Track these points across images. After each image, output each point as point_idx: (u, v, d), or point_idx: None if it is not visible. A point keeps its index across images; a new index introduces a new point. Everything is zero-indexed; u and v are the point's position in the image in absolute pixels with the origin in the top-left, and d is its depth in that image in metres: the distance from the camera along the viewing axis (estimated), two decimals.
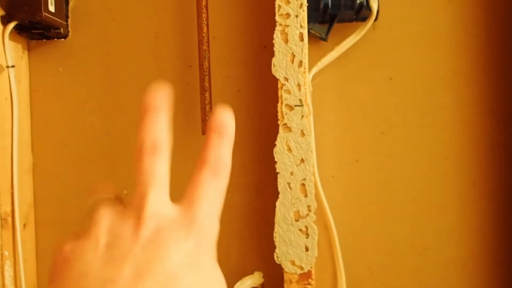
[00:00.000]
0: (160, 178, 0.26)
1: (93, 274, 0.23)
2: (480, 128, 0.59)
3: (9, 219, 0.58)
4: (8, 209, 0.58)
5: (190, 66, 0.61)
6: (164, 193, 0.26)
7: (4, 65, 0.58)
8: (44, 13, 0.57)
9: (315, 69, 0.57)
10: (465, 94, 0.59)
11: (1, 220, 0.56)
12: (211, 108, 0.57)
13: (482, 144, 0.59)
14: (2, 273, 0.56)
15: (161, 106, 0.28)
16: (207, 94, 0.57)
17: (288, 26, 0.51)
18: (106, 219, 0.25)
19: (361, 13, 0.56)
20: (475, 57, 0.59)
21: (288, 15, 0.51)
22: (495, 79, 0.58)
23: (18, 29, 0.60)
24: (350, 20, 0.58)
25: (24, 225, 0.61)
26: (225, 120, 0.29)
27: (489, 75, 0.58)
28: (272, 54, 0.53)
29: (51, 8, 0.58)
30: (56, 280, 0.24)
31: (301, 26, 0.51)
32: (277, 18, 0.52)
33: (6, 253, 0.57)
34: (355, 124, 0.59)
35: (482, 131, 0.59)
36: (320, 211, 0.55)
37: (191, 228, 0.25)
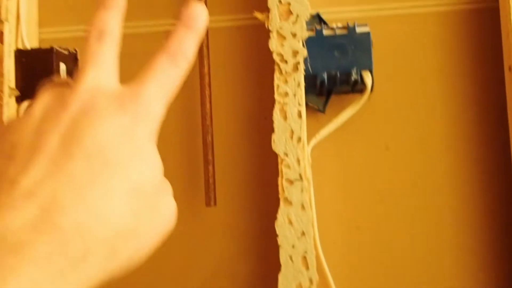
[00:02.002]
0: (105, 58, 0.26)
1: (23, 143, 0.23)
2: (478, 193, 0.60)
3: None
4: None
5: (193, 139, 0.64)
6: (107, 71, 0.26)
7: None
8: None
9: (313, 141, 0.59)
10: (461, 160, 0.61)
11: None
12: (214, 180, 0.59)
13: (481, 209, 0.60)
14: None
15: (115, 4, 0.27)
16: (210, 167, 0.59)
17: (286, 104, 0.54)
18: (45, 97, 0.25)
19: (356, 87, 0.59)
20: (468, 123, 0.61)
21: (286, 93, 0.54)
22: (491, 144, 0.60)
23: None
24: (347, 92, 0.61)
25: None
26: (197, 13, 0.27)
27: (484, 140, 0.60)
28: (272, 125, 0.56)
29: None
30: None
31: (299, 104, 0.54)
32: (276, 96, 0.54)
33: None
34: (355, 193, 0.61)
35: (481, 197, 0.60)
36: (323, 282, 0.56)
37: (131, 103, 0.25)
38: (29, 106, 0.26)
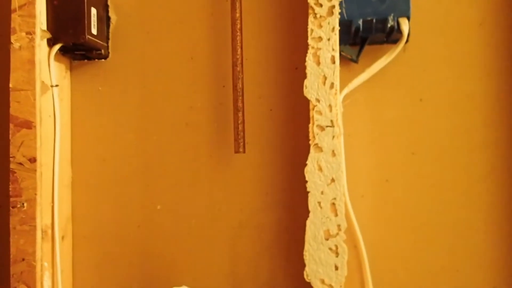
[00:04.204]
0: None
1: None
2: (510, 155, 0.58)
3: (49, 231, 0.61)
4: (49, 222, 0.61)
5: (224, 86, 0.63)
6: None
7: (49, 84, 0.61)
8: (87, 36, 0.60)
9: (346, 90, 0.58)
10: (495, 115, 0.59)
11: (42, 232, 0.59)
12: (243, 127, 0.58)
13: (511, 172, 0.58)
14: (41, 283, 0.59)
15: None
16: (240, 114, 0.58)
17: (320, 49, 0.53)
18: None
19: (392, 36, 0.57)
20: (504, 78, 0.59)
21: (320, 38, 0.53)
22: None
23: (62, 51, 0.63)
24: (381, 43, 0.59)
25: (63, 237, 0.64)
26: None
27: None
28: (303, 75, 0.55)
29: (94, 31, 0.62)
30: None
31: (333, 49, 0.53)
32: (309, 41, 0.53)
33: (46, 264, 0.60)
34: (386, 145, 0.60)
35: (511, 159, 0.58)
36: (350, 231, 0.56)
37: None
38: None
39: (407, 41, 0.58)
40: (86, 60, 0.66)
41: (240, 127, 0.58)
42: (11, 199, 0.58)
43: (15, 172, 0.58)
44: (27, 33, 0.58)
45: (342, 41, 0.57)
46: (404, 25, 0.56)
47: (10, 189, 0.58)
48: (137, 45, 0.65)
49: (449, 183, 0.59)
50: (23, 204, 0.58)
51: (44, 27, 0.60)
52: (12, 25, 0.58)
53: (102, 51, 0.65)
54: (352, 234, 0.57)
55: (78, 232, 0.66)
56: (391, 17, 0.55)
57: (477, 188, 0.59)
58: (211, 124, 0.63)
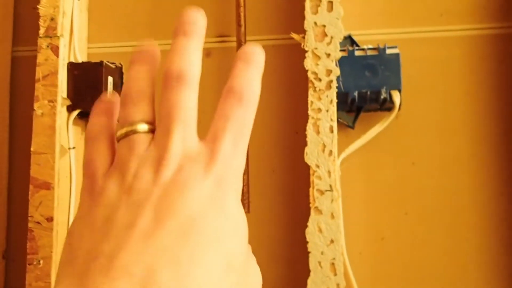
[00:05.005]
0: (187, 111, 0.24)
1: (116, 218, 0.22)
2: (498, 209, 0.62)
3: None
4: None
5: None
6: (190, 128, 0.24)
7: (67, 147, 0.66)
8: None
9: (343, 155, 0.62)
10: (483, 177, 0.63)
11: None
12: (248, 189, 0.63)
13: (501, 224, 0.62)
14: None
15: (194, 31, 0.25)
16: (245, 176, 0.63)
17: (319, 119, 0.58)
18: (133, 162, 0.24)
19: (385, 105, 0.63)
20: (490, 143, 0.64)
21: (319, 109, 0.58)
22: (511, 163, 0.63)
23: (80, 115, 0.68)
24: (375, 110, 0.65)
25: None
26: (254, 49, 0.26)
27: (505, 159, 0.63)
28: (303, 139, 0.59)
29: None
30: (84, 221, 0.24)
31: (331, 120, 0.58)
32: (309, 112, 0.58)
33: None
34: (380, 205, 0.64)
35: (500, 212, 0.62)
36: None
37: (211, 164, 0.23)
38: (114, 170, 0.24)
39: (399, 109, 0.63)
40: None
41: (245, 189, 0.62)
42: (28, 256, 0.62)
43: (33, 231, 0.62)
44: (49, 101, 0.63)
45: (339, 109, 0.62)
46: (396, 97, 0.61)
47: (28, 247, 0.62)
48: None
49: (440, 240, 0.63)
50: (39, 261, 0.62)
51: (65, 95, 0.65)
52: (35, 94, 0.63)
53: None
54: None
55: None
56: (384, 89, 0.60)
57: (467, 245, 0.63)
58: None
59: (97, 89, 0.65)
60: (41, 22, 0.65)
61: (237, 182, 0.24)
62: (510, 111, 0.64)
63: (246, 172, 0.63)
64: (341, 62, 0.60)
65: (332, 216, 0.56)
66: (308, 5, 0.59)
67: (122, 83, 0.71)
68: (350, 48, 0.61)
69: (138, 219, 0.22)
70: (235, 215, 0.24)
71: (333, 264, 0.55)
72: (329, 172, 0.57)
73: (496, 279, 0.62)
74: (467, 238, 0.63)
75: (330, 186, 0.57)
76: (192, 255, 0.21)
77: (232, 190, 0.24)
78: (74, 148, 0.67)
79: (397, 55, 0.61)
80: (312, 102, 0.58)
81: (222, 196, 0.23)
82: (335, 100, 0.58)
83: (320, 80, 0.58)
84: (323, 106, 0.58)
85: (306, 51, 0.59)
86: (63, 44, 0.65)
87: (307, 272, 0.58)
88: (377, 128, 0.63)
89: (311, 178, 0.57)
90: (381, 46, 0.61)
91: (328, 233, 0.56)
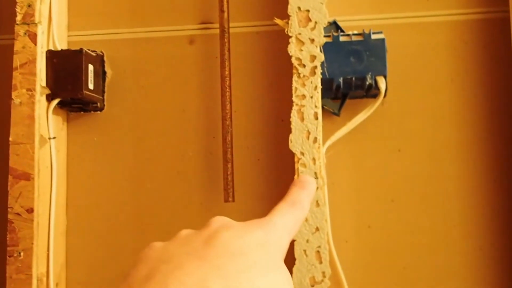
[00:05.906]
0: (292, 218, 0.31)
1: (172, 255, 0.27)
2: (484, 196, 0.62)
3: (44, 279, 0.63)
4: (44, 270, 0.63)
5: (214, 137, 0.67)
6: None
7: (47, 137, 0.64)
8: (85, 91, 0.63)
9: (328, 142, 0.62)
10: (469, 164, 0.63)
11: (37, 280, 0.61)
12: (233, 177, 0.62)
13: (487, 211, 0.62)
14: None
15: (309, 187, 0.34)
16: (229, 165, 0.62)
17: (304, 106, 0.57)
18: (184, 232, 0.30)
19: (370, 92, 0.62)
20: (476, 129, 0.63)
21: (303, 96, 0.57)
22: (497, 150, 0.62)
23: (60, 104, 0.66)
24: (361, 97, 0.64)
25: (57, 285, 0.66)
26: (308, 179, 0.34)
27: (491, 146, 0.63)
28: (288, 127, 0.58)
29: (90, 86, 0.65)
30: (143, 263, 0.27)
31: (316, 106, 0.57)
32: (294, 98, 0.57)
33: None
34: (367, 193, 0.64)
35: (486, 199, 0.62)
36: (335, 277, 0.59)
37: (265, 223, 0.29)
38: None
39: (384, 95, 0.62)
40: (82, 112, 0.69)
41: (229, 178, 0.61)
42: (8, 249, 0.60)
43: (13, 222, 0.61)
44: (28, 89, 0.62)
45: (325, 96, 0.61)
46: (382, 83, 0.60)
47: (8, 238, 0.60)
48: (131, 98, 0.69)
49: (427, 228, 0.63)
50: (19, 253, 0.60)
51: (44, 83, 0.63)
52: (13, 82, 0.62)
53: (98, 104, 0.68)
54: (338, 280, 0.59)
55: (72, 278, 0.68)
56: (369, 75, 0.59)
57: (454, 232, 0.62)
58: (202, 173, 0.66)
59: (77, 77, 0.64)
60: (18, 9, 0.63)
61: (282, 248, 0.29)
62: (495, 96, 0.63)
63: (231, 161, 0.62)
64: (326, 48, 0.59)
65: (318, 204, 0.56)
66: None
67: (103, 71, 0.69)
68: (335, 34, 0.60)
69: (191, 246, 0.27)
70: (278, 261, 0.28)
71: (318, 252, 0.55)
72: (314, 160, 0.56)
73: (482, 265, 0.62)
74: (454, 225, 0.62)
75: (315, 173, 0.56)
76: (240, 275, 0.25)
77: (278, 248, 0.29)
78: (54, 138, 0.65)
79: (383, 40, 0.60)
80: (296, 88, 0.57)
81: (269, 244, 0.28)
82: (319, 86, 0.57)
83: (304, 66, 0.57)
84: (307, 93, 0.57)
85: (290, 37, 0.58)
86: (41, 31, 0.63)
87: (292, 260, 0.57)
88: (362, 115, 0.63)
89: (296, 165, 0.57)
90: (366, 32, 0.60)
91: (314, 221, 0.55)
